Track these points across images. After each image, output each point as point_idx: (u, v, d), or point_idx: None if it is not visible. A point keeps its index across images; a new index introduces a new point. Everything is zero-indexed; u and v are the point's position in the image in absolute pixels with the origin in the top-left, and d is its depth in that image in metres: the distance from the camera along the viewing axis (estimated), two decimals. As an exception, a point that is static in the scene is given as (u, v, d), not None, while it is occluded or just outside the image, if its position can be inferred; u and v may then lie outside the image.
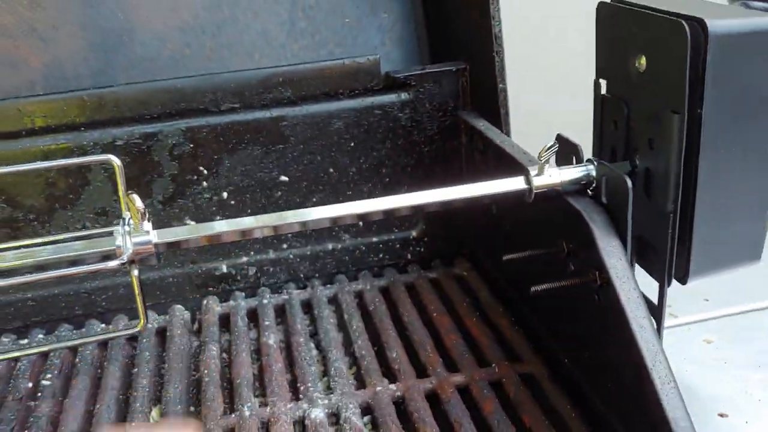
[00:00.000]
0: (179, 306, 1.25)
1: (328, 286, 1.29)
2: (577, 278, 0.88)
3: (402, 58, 1.38)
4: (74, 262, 0.80)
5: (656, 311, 0.86)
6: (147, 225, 0.78)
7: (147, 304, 1.24)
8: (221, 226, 0.82)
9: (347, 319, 1.19)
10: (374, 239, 1.33)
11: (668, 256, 0.82)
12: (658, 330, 0.86)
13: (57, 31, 1.26)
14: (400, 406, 1.00)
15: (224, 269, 1.29)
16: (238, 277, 1.30)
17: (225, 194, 1.24)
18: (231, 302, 1.26)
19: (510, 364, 1.04)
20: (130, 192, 0.78)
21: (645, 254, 0.87)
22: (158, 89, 1.18)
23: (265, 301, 1.25)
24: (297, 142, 1.23)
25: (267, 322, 1.19)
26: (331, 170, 1.26)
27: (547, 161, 0.85)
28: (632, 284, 0.80)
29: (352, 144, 1.26)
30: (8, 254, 0.78)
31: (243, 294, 1.28)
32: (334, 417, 0.98)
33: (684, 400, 0.73)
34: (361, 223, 1.31)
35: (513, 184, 0.87)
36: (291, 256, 1.31)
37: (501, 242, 1.16)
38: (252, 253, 1.29)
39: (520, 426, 0.93)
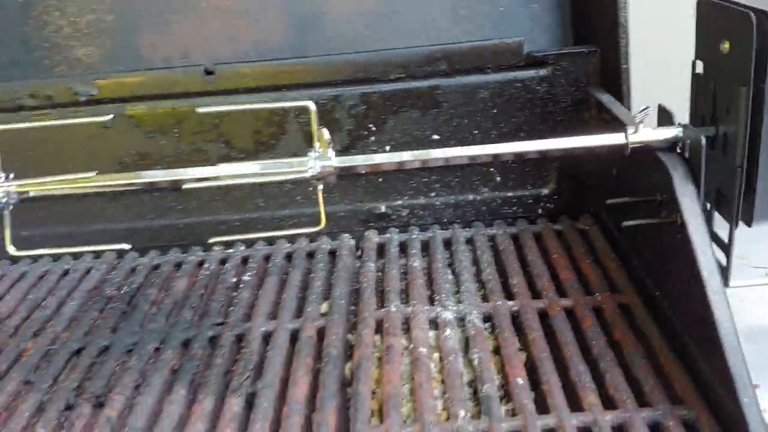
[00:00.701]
0: (347, 235, 1.56)
1: (467, 229, 1.54)
2: (665, 219, 1.09)
3: (547, 42, 1.60)
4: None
5: (726, 249, 1.05)
6: (331, 153, 1.08)
7: (323, 232, 1.56)
8: (383, 157, 1.10)
9: (480, 254, 1.45)
10: (509, 194, 1.58)
11: (736, 202, 1.01)
12: (727, 264, 1.05)
13: (266, 14, 1.59)
14: (515, 318, 1.24)
15: (383, 209, 1.58)
16: (394, 217, 1.59)
17: (388, 147, 1.53)
18: (386, 235, 1.55)
19: (611, 295, 1.26)
20: (320, 127, 1.08)
21: (722, 204, 1.07)
22: (342, 61, 1.49)
23: (413, 237, 1.53)
24: (448, 107, 1.50)
25: (414, 251, 1.47)
26: (476, 132, 1.51)
27: (641, 121, 1.06)
28: (701, 222, 1.00)
29: (495, 111, 1.51)
30: (226, 168, 1.11)
31: (396, 230, 1.57)
32: (461, 320, 1.24)
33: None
34: (498, 178, 1.56)
35: (614, 138, 1.09)
36: (437, 203, 1.58)
37: (623, 211, 1.37)
38: (406, 198, 1.58)
39: (610, 340, 1.15)
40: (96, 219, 1.58)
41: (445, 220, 1.59)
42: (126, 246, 1.15)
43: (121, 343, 1.25)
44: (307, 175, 1.07)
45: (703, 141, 1.01)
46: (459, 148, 1.10)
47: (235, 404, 1.07)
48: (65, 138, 1.50)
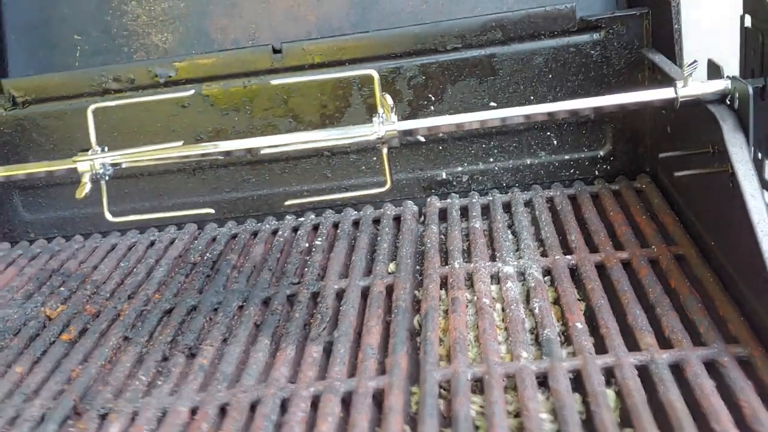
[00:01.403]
0: (410, 201, 1.64)
1: (525, 192, 1.61)
2: (717, 169, 1.14)
3: (599, 6, 1.65)
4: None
5: (778, 195, 1.10)
6: (393, 117, 1.16)
7: (387, 199, 1.65)
8: (443, 120, 1.18)
9: (538, 215, 1.51)
10: (566, 157, 1.63)
11: (786, 149, 1.06)
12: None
13: (327, -7, 1.68)
14: (574, 272, 1.31)
15: (444, 176, 1.66)
16: (454, 183, 1.66)
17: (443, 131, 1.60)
18: (448, 200, 1.62)
19: (666, 247, 1.31)
20: (383, 94, 1.16)
21: (772, 152, 1.11)
22: (401, 35, 1.56)
23: (474, 201, 1.60)
24: (504, 74, 1.57)
25: (474, 214, 1.54)
26: (532, 98, 1.57)
27: (690, 75, 1.11)
28: (750, 168, 1.05)
29: (550, 76, 1.56)
30: (299, 136, 1.20)
31: (457, 195, 1.64)
32: (521, 274, 1.31)
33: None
34: (555, 142, 1.61)
35: (663, 93, 1.14)
36: (496, 168, 1.65)
37: (673, 158, 1.42)
38: (465, 164, 1.65)
39: (666, 287, 1.21)
40: (176, 193, 1.70)
41: (504, 184, 1.65)
42: (210, 210, 1.26)
43: (207, 302, 1.35)
44: (372, 138, 1.15)
45: (750, 90, 1.06)
46: (515, 108, 1.17)
47: (314, 351, 1.17)
48: (147, 117, 1.62)
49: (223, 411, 1.07)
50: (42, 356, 1.28)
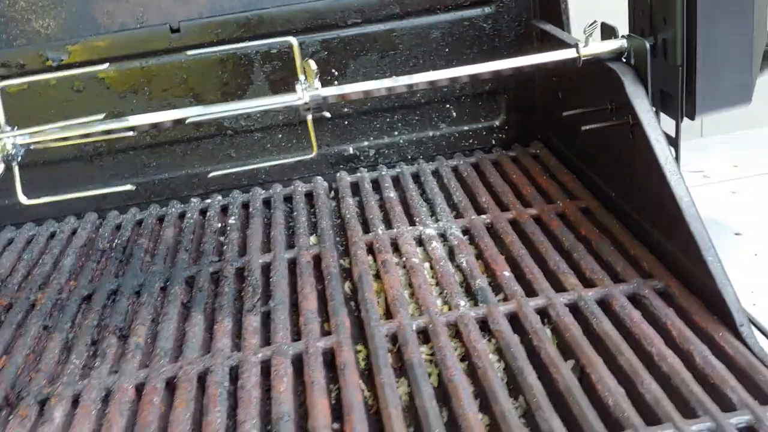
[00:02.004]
0: (319, 177, 1.65)
1: (431, 162, 1.67)
2: (618, 122, 1.24)
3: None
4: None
5: (674, 142, 1.21)
6: (317, 83, 1.18)
7: (296, 177, 1.66)
8: (368, 85, 1.21)
9: (447, 182, 1.57)
10: (465, 127, 1.71)
11: (679, 98, 1.17)
12: (676, 157, 1.21)
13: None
14: (490, 229, 1.37)
15: (351, 151, 1.69)
16: (362, 158, 1.70)
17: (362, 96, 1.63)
18: (357, 174, 1.65)
19: (571, 201, 1.41)
20: (306, 59, 1.17)
21: (666, 103, 1.22)
22: (301, 10, 1.58)
23: (383, 173, 1.64)
24: (404, 48, 1.62)
25: (387, 185, 1.58)
26: (431, 70, 1.63)
27: (590, 35, 1.20)
28: (653, 116, 1.15)
29: (447, 50, 1.63)
30: (225, 106, 1.19)
31: (366, 169, 1.67)
32: (442, 235, 1.37)
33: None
34: (454, 114, 1.68)
35: (567, 53, 1.23)
36: (401, 141, 1.70)
37: (565, 121, 1.52)
38: (372, 138, 1.69)
39: (578, 235, 1.30)
40: (73, 182, 1.62)
41: (410, 156, 1.70)
42: (131, 187, 1.22)
43: (127, 285, 1.31)
44: (300, 103, 1.17)
45: (648, 46, 1.16)
46: (426, 73, 1.22)
47: (253, 321, 1.16)
48: (40, 104, 1.54)
49: (171, 385, 1.05)
50: (-47, 353, 1.20)
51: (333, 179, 1.66)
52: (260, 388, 1.02)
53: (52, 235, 1.56)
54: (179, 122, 1.16)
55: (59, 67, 1.54)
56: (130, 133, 1.23)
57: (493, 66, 1.27)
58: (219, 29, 1.56)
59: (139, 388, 1.05)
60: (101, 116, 1.14)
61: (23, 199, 1.15)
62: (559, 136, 1.62)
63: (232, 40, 1.56)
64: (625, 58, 1.24)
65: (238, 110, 1.20)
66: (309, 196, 1.61)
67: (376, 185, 1.61)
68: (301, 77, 1.20)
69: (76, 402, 1.04)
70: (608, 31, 1.27)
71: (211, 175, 1.33)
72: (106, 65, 1.21)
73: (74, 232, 1.56)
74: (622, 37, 1.24)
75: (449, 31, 1.62)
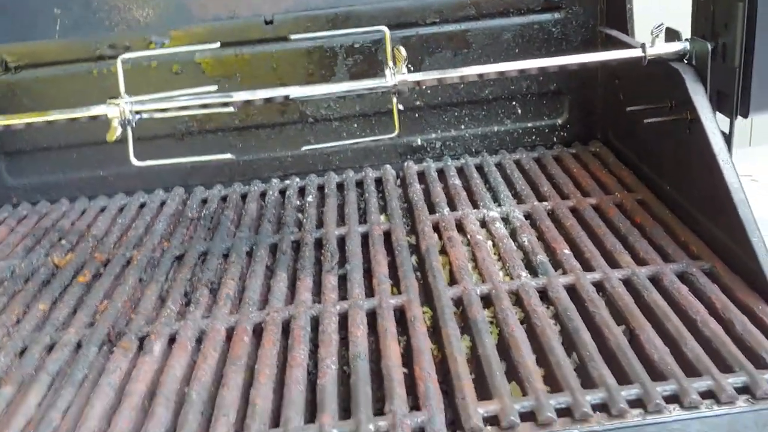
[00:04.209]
0: (388, 165, 1.77)
1: (494, 155, 1.77)
2: (675, 116, 1.33)
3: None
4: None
5: (727, 138, 1.29)
6: (404, 69, 1.30)
7: (367, 165, 1.78)
8: (447, 72, 1.33)
9: (510, 173, 1.67)
10: (529, 124, 1.81)
11: (735, 97, 1.25)
12: (729, 152, 1.29)
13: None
14: (551, 215, 1.47)
15: (419, 142, 1.80)
16: (428, 149, 1.81)
17: (424, 87, 1.74)
18: (424, 164, 1.77)
19: (627, 193, 1.50)
20: (397, 47, 1.30)
21: (722, 103, 1.31)
22: (385, 8, 1.71)
23: (449, 164, 1.75)
24: (477, 47, 1.73)
25: (452, 174, 1.69)
26: (501, 69, 1.74)
27: (657, 36, 1.30)
28: (710, 111, 1.24)
29: (517, 50, 1.74)
30: (323, 88, 1.32)
31: (432, 160, 1.79)
32: (505, 218, 1.47)
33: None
34: (519, 111, 1.79)
35: (633, 52, 1.32)
36: (467, 135, 1.81)
37: (624, 121, 1.61)
38: (439, 131, 1.80)
39: (633, 222, 1.39)
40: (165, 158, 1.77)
41: (474, 149, 1.81)
42: (231, 156, 1.35)
43: (216, 248, 1.45)
44: (389, 85, 1.29)
45: (710, 48, 1.25)
46: (503, 63, 1.33)
47: (331, 280, 1.28)
48: (142, 83, 1.67)
49: (258, 329, 1.18)
50: (61, 296, 1.34)
51: (401, 168, 1.77)
52: (339, 334, 1.14)
53: (142, 205, 1.71)
54: (269, 101, 1.29)
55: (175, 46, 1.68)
56: (231, 109, 1.38)
57: (563, 60, 1.37)
58: (309, 23, 1.70)
59: (230, 331, 1.18)
60: (214, 87, 1.28)
61: (134, 160, 1.29)
62: (618, 136, 1.71)
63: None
64: (686, 59, 1.33)
65: (332, 92, 1.33)
66: (378, 181, 1.73)
67: (442, 174, 1.72)
68: (390, 63, 1.32)
69: (172, 340, 1.17)
70: (672, 34, 1.36)
71: (304, 148, 1.46)
72: (217, 44, 1.34)
73: (163, 204, 1.71)
74: (685, 40, 1.33)
75: (520, 33, 1.73)
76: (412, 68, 1.61)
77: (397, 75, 1.30)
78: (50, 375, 1.11)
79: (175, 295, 1.30)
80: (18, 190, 1.81)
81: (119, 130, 1.26)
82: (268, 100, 1.30)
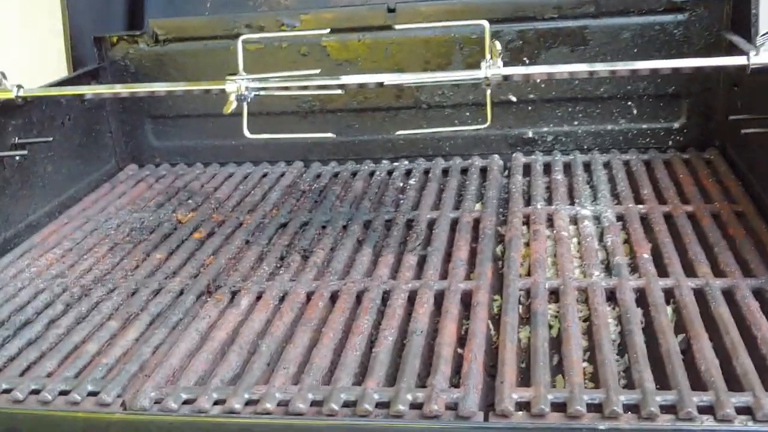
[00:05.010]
0: (496, 155, 1.81)
1: (604, 154, 1.77)
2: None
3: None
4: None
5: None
6: (499, 62, 1.35)
7: (476, 153, 1.84)
8: (540, 68, 1.35)
9: (615, 173, 1.67)
10: (644, 126, 1.79)
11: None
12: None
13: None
14: (644, 219, 1.47)
15: (530, 134, 1.83)
16: (539, 142, 1.83)
17: (538, 80, 1.77)
18: (532, 157, 1.80)
19: (728, 204, 1.46)
20: (493, 41, 1.34)
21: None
22: (504, 2, 1.74)
23: (556, 159, 1.77)
24: (594, 45, 1.73)
25: (557, 169, 1.71)
26: (617, 68, 1.73)
27: (762, 44, 1.26)
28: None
29: (635, 50, 1.72)
30: (420, 76, 1.39)
31: (541, 153, 1.81)
32: (597, 217, 1.48)
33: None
34: (635, 111, 1.77)
35: (737, 60, 1.29)
36: (579, 131, 1.81)
37: (740, 130, 1.56)
38: (551, 125, 1.82)
39: (724, 233, 1.36)
40: (290, 132, 1.90)
41: (585, 147, 1.81)
42: (332, 135, 1.46)
43: (317, 220, 1.56)
44: (481, 77, 1.34)
45: (817, 59, 1.21)
46: (601, 63, 1.34)
47: (411, 259, 1.36)
48: (272, 62, 1.83)
49: (334, 297, 1.28)
50: (177, 248, 1.51)
51: (509, 158, 1.81)
52: (404, 310, 1.22)
53: (264, 175, 1.86)
54: (380, 85, 1.38)
55: (295, 30, 1.81)
56: (339, 92, 1.48)
57: (667, 64, 1.35)
58: (430, 13, 1.77)
59: (309, 295, 1.28)
60: (317, 71, 1.38)
61: (248, 133, 1.42)
62: (733, 144, 1.66)
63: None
64: (796, 70, 1.29)
65: (429, 80, 1.40)
66: (484, 170, 1.78)
67: (548, 168, 1.74)
68: (488, 56, 1.37)
69: (259, 297, 1.29)
70: (785, 44, 1.32)
71: (398, 133, 1.54)
72: (327, 30, 1.44)
73: (282, 175, 1.85)
74: (796, 50, 1.29)
75: (640, 33, 1.71)
76: (527, 64, 1.65)
77: (491, 68, 1.34)
78: (151, 316, 1.27)
79: (271, 258, 1.42)
80: (161, 151, 2.01)
81: (234, 104, 1.39)
82: (361, 86, 1.38)
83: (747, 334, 1.06)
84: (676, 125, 1.78)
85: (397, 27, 1.41)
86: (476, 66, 1.71)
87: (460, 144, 1.86)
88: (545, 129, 1.82)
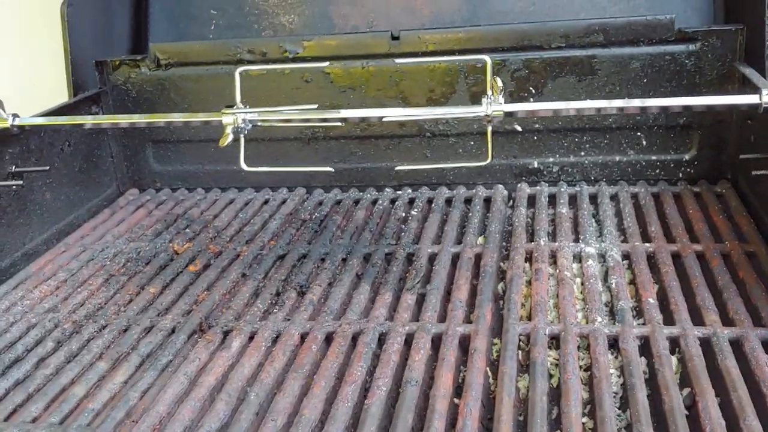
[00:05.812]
0: (501, 185, 1.78)
1: (612, 186, 1.72)
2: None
3: (697, 20, 1.76)
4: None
5: None
6: (501, 99, 1.31)
7: (480, 182, 1.80)
8: (542, 105, 1.32)
9: (622, 207, 1.63)
10: (653, 157, 1.74)
11: None
12: None
13: (441, -8, 1.85)
14: (651, 258, 1.42)
15: (535, 165, 1.79)
16: (545, 172, 1.79)
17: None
18: (537, 187, 1.76)
19: (739, 243, 1.41)
20: (494, 77, 1.31)
21: None
22: (510, 30, 1.70)
23: (562, 190, 1.73)
24: (602, 75, 1.69)
25: (562, 201, 1.67)
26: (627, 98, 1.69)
27: (775, 84, 1.22)
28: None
29: (645, 81, 1.68)
30: (419, 110, 1.36)
31: (546, 184, 1.77)
32: (602, 255, 1.44)
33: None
34: (644, 142, 1.72)
35: (749, 99, 1.25)
36: (586, 162, 1.77)
37: (753, 165, 1.51)
38: (557, 155, 1.78)
39: (735, 277, 1.31)
40: (291, 159, 1.87)
41: (592, 177, 1.77)
42: (330, 169, 1.43)
43: (316, 252, 1.53)
44: (481, 115, 1.30)
45: (832, 101, 1.16)
46: (609, 101, 1.29)
47: (408, 299, 1.32)
48: (274, 89, 1.80)
49: (329, 338, 1.24)
50: (171, 282, 1.48)
51: (513, 189, 1.77)
52: (400, 355, 1.18)
53: (266, 202, 1.83)
54: (379, 119, 1.35)
55: (294, 60, 1.79)
56: (340, 124, 1.45)
57: (678, 102, 1.31)
58: (434, 41, 1.73)
59: (303, 337, 1.25)
60: (315, 106, 1.35)
61: (244, 166, 1.39)
62: (746, 179, 1.61)
63: (443, 52, 1.73)
64: (810, 110, 1.24)
65: (429, 116, 1.36)
66: (487, 201, 1.74)
67: (553, 200, 1.70)
68: (489, 92, 1.33)
69: (252, 337, 1.26)
70: (800, 82, 1.27)
71: (397, 168, 1.50)
72: (326, 64, 1.41)
73: (284, 202, 1.82)
74: (811, 89, 1.24)
75: (650, 63, 1.67)
76: (534, 94, 1.62)
77: (492, 104, 1.31)
78: (140, 356, 1.23)
79: (266, 294, 1.39)
80: (162, 175, 1.98)
81: (231, 137, 1.37)
82: (363, 120, 1.35)
83: (755, 390, 1.02)
84: (686, 157, 1.73)
85: (398, 61, 1.38)
86: (481, 95, 1.68)
87: (464, 173, 1.82)
88: (551, 159, 1.78)
